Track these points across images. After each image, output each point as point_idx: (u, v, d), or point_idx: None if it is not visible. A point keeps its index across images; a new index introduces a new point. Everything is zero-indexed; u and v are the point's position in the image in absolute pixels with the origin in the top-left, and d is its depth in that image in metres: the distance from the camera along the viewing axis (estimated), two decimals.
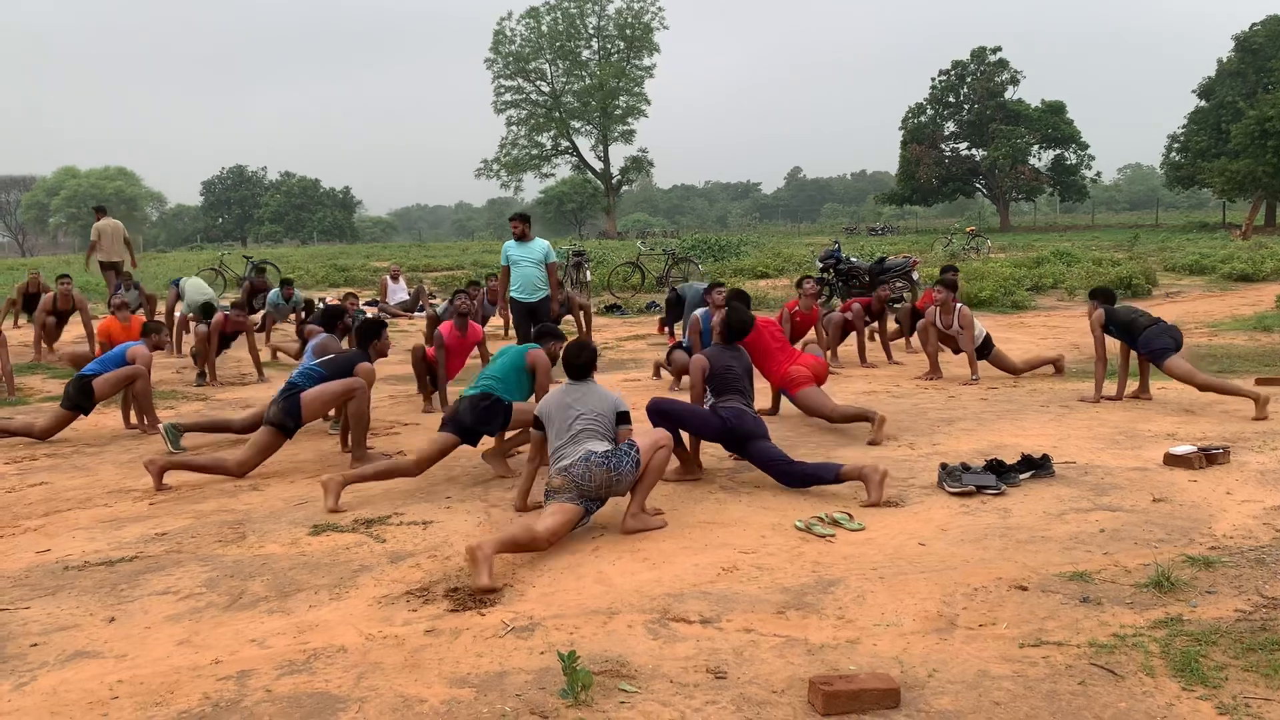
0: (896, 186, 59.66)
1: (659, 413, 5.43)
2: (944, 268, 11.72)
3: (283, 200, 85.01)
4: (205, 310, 11.64)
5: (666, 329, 13.05)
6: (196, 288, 12.73)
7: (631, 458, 4.63)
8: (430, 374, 8.55)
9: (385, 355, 6.74)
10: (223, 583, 4.15)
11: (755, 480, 5.58)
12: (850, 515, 4.77)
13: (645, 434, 4.84)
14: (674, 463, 5.72)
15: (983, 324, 9.62)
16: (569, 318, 13.00)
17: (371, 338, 6.50)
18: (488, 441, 6.20)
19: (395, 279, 17.96)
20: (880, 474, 5.02)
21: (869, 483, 5.01)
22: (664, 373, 9.60)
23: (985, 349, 9.12)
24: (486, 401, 5.75)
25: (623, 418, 4.82)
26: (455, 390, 8.82)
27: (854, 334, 10.85)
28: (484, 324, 11.03)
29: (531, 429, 4.99)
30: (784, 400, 7.54)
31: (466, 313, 8.46)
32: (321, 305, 12.07)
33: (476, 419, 5.69)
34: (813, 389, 6.81)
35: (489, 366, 6.00)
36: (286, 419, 6.04)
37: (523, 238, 9.39)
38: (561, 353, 4.95)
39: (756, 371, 7.00)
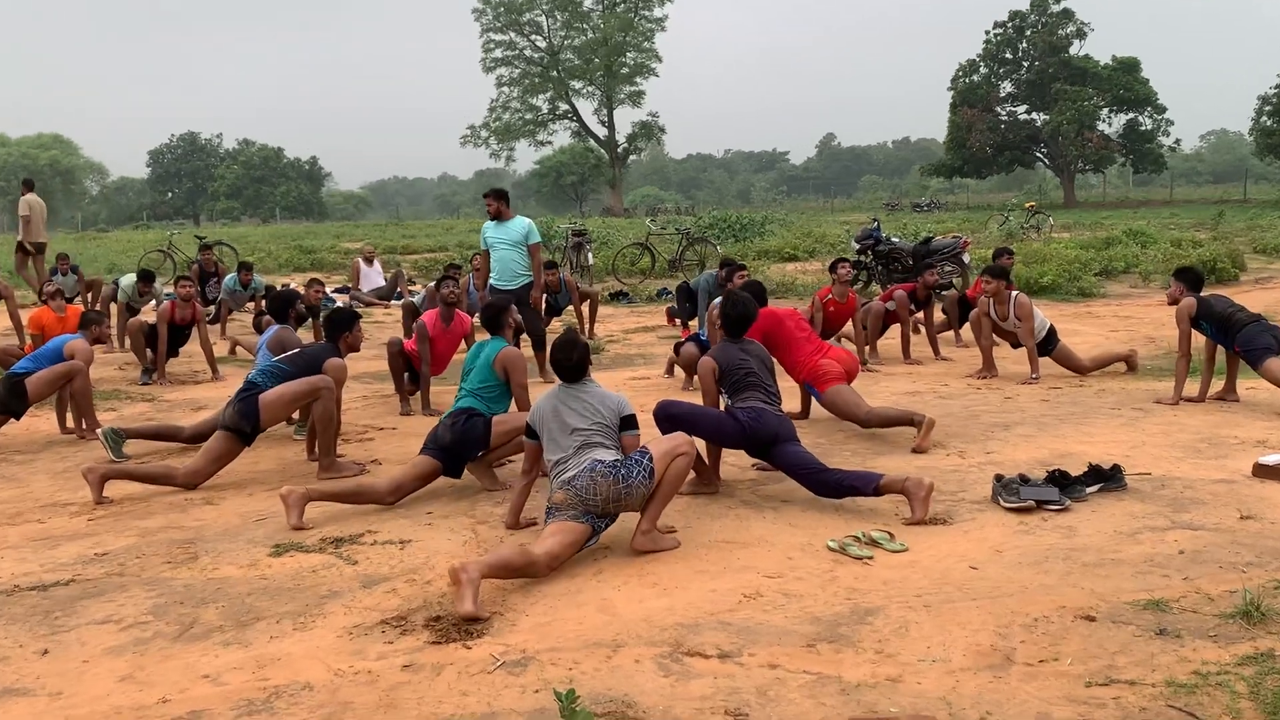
0: (945, 156, 59.54)
1: (668, 418, 5.44)
2: (997, 250, 11.69)
3: (240, 172, 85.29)
4: (143, 276, 11.59)
5: (677, 320, 13.05)
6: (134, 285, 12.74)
7: (644, 467, 4.62)
8: (409, 371, 8.55)
9: (357, 349, 6.76)
10: (171, 610, 4.17)
11: (782, 493, 5.58)
12: (891, 534, 4.77)
13: (661, 440, 4.83)
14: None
15: (1044, 314, 9.60)
16: (570, 308, 13.01)
17: (341, 330, 6.51)
18: None
19: (369, 262, 18.01)
20: (925, 488, 5.01)
21: (912, 498, 5.01)
22: (677, 370, 9.60)
23: (1048, 343, 9.10)
24: (465, 417, 5.78)
25: (628, 422, 4.81)
26: (439, 390, 8.83)
27: (896, 326, 10.82)
28: (472, 314, 11.06)
29: (524, 438, 4.99)
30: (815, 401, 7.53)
31: (454, 302, 8.48)
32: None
33: (456, 438, 5.71)
34: (844, 387, 6.81)
35: (466, 379, 6.03)
36: (243, 423, 6.07)
37: (499, 216, 9.42)
38: (552, 358, 4.95)
39: (782, 369, 6.98)
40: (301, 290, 11.53)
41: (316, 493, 5.35)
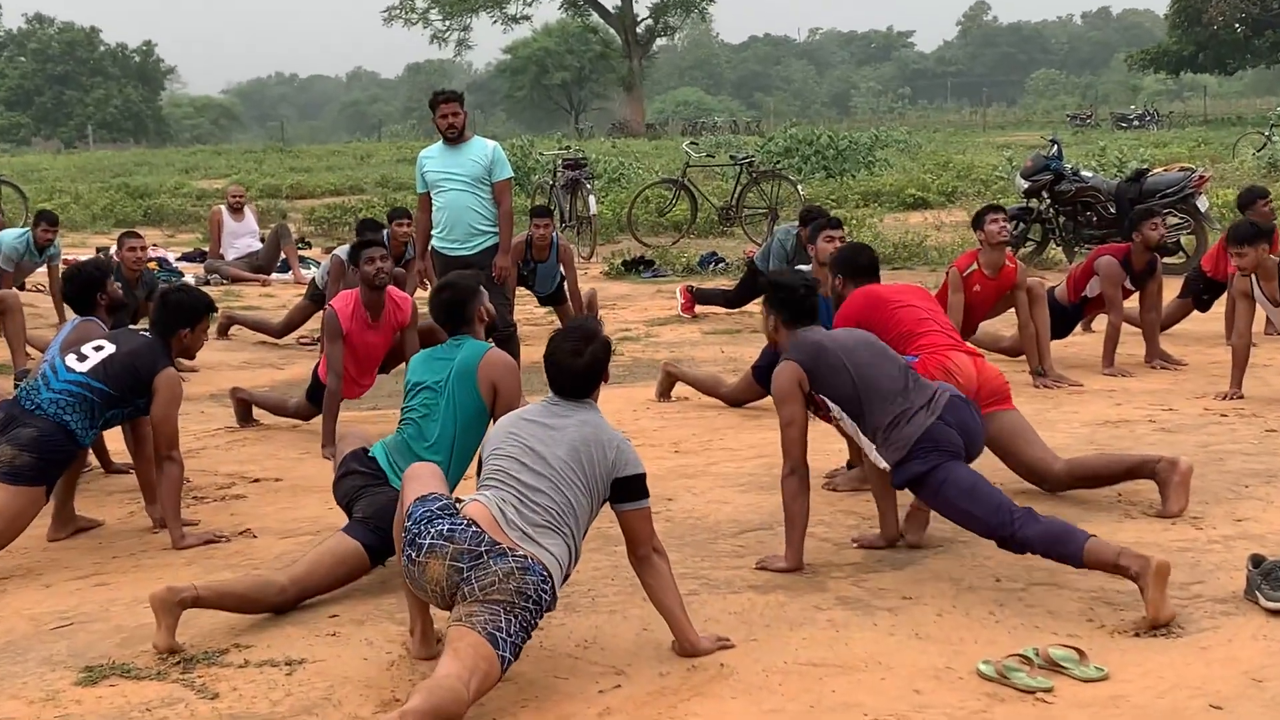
0: (1167, 39, 59.30)
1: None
2: (1246, 194, 11.56)
3: (29, 68, 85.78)
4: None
5: (697, 307, 13.15)
6: None
7: (505, 640, 4.42)
8: (311, 388, 8.56)
9: (190, 357, 6.79)
10: None
11: (903, 584, 5.56)
12: (1080, 652, 4.74)
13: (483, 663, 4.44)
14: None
15: None
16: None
17: (182, 323, 6.56)
18: None
19: (237, 212, 18.07)
20: (1184, 470, 5.04)
21: (1165, 483, 5.07)
22: (680, 389, 9.61)
23: None
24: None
25: (626, 489, 4.82)
26: (354, 418, 8.81)
27: (1094, 310, 10.79)
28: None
29: None
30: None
31: (381, 283, 8.34)
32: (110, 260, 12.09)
33: (384, 506, 5.62)
34: (1013, 415, 6.78)
35: (428, 423, 5.99)
36: (38, 461, 6.10)
37: (453, 136, 9.46)
38: (549, 353, 4.95)
39: None
40: (112, 255, 11.55)
41: (204, 595, 5.26)
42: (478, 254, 9.41)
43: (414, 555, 4.57)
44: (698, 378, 9.70)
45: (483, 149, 9.50)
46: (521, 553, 4.53)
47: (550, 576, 4.56)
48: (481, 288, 6.39)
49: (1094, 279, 10.36)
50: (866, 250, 7.47)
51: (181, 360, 6.87)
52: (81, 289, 7.71)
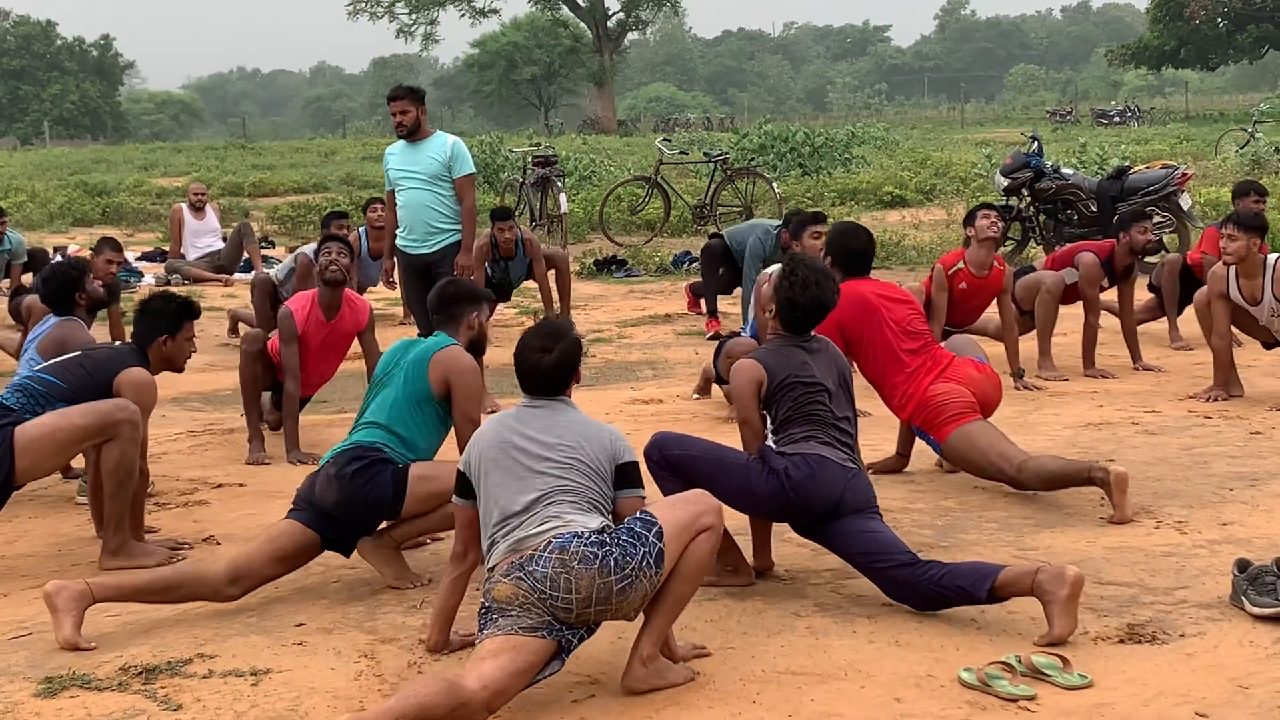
0: (1147, 33, 59.42)
1: (666, 463, 5.52)
2: (1239, 187, 11.60)
3: None
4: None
5: (702, 302, 13.06)
6: None
7: (648, 546, 4.57)
8: (273, 390, 8.53)
9: (179, 368, 6.69)
10: None
11: (879, 593, 5.56)
12: (1064, 659, 4.75)
13: (675, 501, 4.80)
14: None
15: None
16: (528, 281, 12.98)
17: (163, 330, 6.47)
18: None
19: (199, 210, 18.01)
20: (1069, 583, 4.93)
21: (1049, 601, 4.96)
22: (717, 388, 9.57)
23: None
24: (364, 465, 5.67)
25: (626, 476, 4.82)
26: (316, 422, 8.78)
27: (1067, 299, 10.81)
28: (362, 291, 11.03)
29: (453, 498, 4.94)
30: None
31: (340, 279, 8.37)
32: (59, 258, 12.05)
33: (344, 495, 5.62)
34: (978, 425, 6.76)
35: (372, 398, 5.99)
36: None
37: (411, 132, 9.45)
38: (518, 351, 4.91)
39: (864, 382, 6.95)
40: (88, 258, 11.53)
41: (104, 589, 5.32)
42: (437, 252, 9.38)
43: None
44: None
45: (442, 145, 9.46)
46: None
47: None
48: (485, 303, 6.31)
49: (1068, 269, 10.35)
50: (861, 233, 7.33)
51: None
52: (59, 289, 7.62)
